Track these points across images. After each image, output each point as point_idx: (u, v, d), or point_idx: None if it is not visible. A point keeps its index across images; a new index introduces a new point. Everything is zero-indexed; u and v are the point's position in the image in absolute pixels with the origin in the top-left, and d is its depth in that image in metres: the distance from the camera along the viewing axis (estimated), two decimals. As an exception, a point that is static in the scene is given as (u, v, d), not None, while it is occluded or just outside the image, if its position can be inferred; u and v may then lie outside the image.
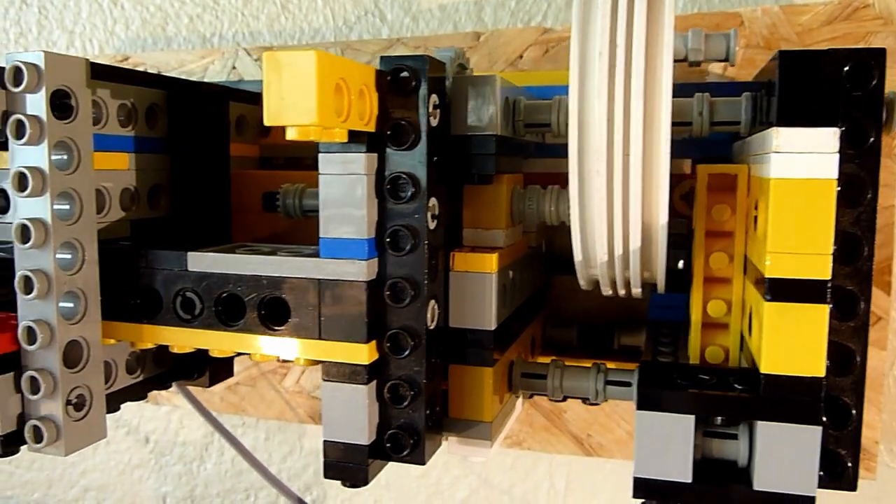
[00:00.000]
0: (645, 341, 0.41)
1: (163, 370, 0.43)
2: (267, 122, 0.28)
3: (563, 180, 0.40)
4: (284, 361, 0.40)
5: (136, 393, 0.42)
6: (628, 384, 0.38)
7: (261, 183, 0.47)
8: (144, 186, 0.41)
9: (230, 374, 0.47)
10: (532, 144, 0.44)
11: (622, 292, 0.35)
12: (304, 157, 0.52)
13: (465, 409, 0.36)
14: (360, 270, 0.32)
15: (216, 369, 0.45)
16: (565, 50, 0.51)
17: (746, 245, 0.35)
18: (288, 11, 0.64)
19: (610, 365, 0.40)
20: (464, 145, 0.35)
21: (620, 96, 0.29)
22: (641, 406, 0.30)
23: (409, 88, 0.32)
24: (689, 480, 0.29)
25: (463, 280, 0.35)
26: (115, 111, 0.39)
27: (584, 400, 0.43)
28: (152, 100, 0.42)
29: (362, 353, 0.33)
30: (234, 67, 0.58)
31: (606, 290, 0.35)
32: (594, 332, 0.49)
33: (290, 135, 0.29)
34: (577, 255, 0.33)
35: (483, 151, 0.35)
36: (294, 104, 0.27)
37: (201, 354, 0.43)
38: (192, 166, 0.43)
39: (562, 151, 0.47)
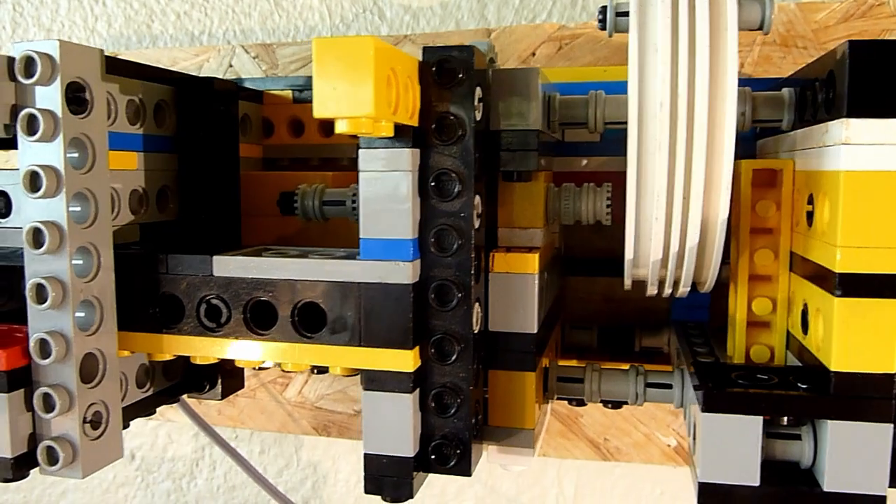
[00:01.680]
0: (678, 343, 0.40)
1: (172, 383, 0.41)
2: (317, 113, 0.26)
3: (574, 179, 0.39)
4: (319, 372, 0.38)
5: (147, 408, 0.39)
6: (669, 386, 0.37)
7: (268, 184, 0.45)
8: (153, 188, 0.39)
9: (241, 385, 0.45)
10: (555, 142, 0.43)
11: (668, 292, 0.34)
12: (309, 158, 0.50)
13: (506, 417, 0.35)
14: (405, 272, 0.31)
15: (228, 381, 0.43)
16: (579, 47, 0.50)
17: (792, 241, 0.34)
18: (282, 9, 0.61)
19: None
20: (504, 141, 0.34)
21: (684, 86, 0.28)
22: (708, 408, 0.29)
23: (454, 81, 0.30)
24: (758, 484, 0.28)
25: (503, 282, 0.34)
26: (124, 107, 0.37)
27: (608, 403, 0.42)
28: (160, 96, 0.39)
29: (407, 360, 0.31)
30: (230, 65, 0.56)
31: (652, 290, 0.34)
32: (615, 334, 0.48)
33: (341, 128, 0.27)
34: (629, 253, 0.32)
35: (525, 148, 0.33)
36: (348, 95, 0.26)
37: (213, 365, 0.41)
38: (201, 167, 0.41)
39: (579, 150, 0.47)
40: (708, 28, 0.28)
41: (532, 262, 0.34)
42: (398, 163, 0.30)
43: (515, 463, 0.35)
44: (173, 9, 0.64)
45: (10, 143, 0.35)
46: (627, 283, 0.35)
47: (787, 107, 0.34)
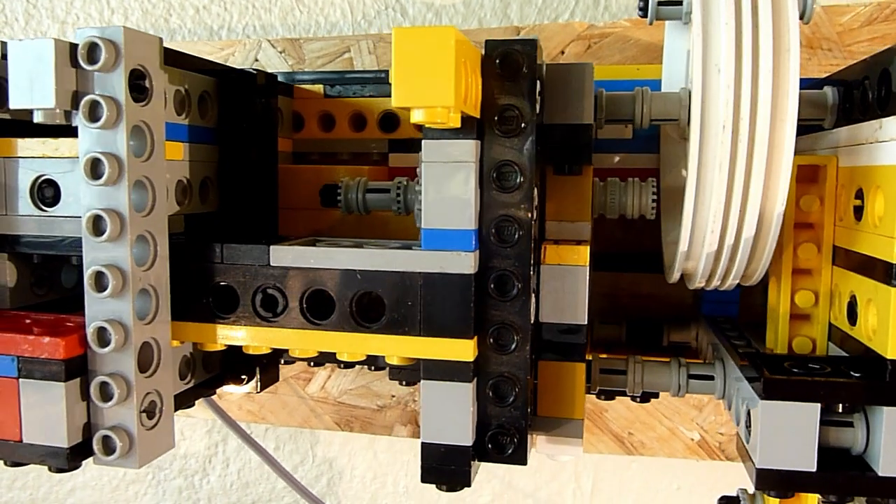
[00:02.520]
0: (716, 336, 0.40)
1: (211, 375, 0.41)
2: (396, 103, 0.27)
3: (605, 175, 0.39)
4: (346, 366, 0.38)
5: (187, 400, 0.39)
6: (711, 377, 0.38)
7: (302, 178, 0.45)
8: (196, 179, 0.39)
9: (277, 378, 0.45)
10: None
11: (715, 285, 0.35)
12: (338, 153, 0.50)
13: (555, 407, 0.35)
14: (467, 262, 0.31)
15: (265, 373, 0.43)
16: (608, 46, 0.51)
17: (835, 235, 0.35)
18: (303, 4, 0.61)
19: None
20: (557, 135, 0.34)
21: (748, 81, 0.29)
22: (768, 396, 0.29)
23: (518, 74, 0.31)
24: (814, 469, 0.29)
25: (555, 273, 0.34)
26: (172, 97, 0.37)
27: (636, 397, 0.43)
28: (204, 87, 0.39)
29: (468, 350, 0.31)
30: (256, 60, 0.56)
31: (699, 284, 0.35)
32: (643, 329, 0.48)
33: (417, 117, 0.27)
34: (683, 246, 0.32)
35: (580, 142, 0.34)
36: (429, 84, 0.26)
37: (251, 357, 0.41)
38: (242, 159, 0.41)
39: (611, 146, 0.47)
40: (772, 45, 0.29)
41: (583, 254, 0.34)
42: (463, 154, 0.30)
43: (563, 453, 0.35)
44: (192, 3, 0.63)
45: (58, 131, 0.35)
46: (675, 276, 0.35)
47: (830, 105, 0.35)
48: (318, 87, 0.49)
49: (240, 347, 0.35)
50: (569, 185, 0.36)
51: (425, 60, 0.26)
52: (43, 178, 0.35)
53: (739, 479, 0.56)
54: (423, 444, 0.32)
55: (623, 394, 0.40)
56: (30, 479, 0.71)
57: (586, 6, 0.57)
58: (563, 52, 0.51)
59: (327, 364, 0.53)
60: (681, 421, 0.52)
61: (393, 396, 0.56)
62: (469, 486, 0.33)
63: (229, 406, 0.58)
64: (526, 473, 0.62)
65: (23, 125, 0.37)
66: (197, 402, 0.45)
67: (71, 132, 0.36)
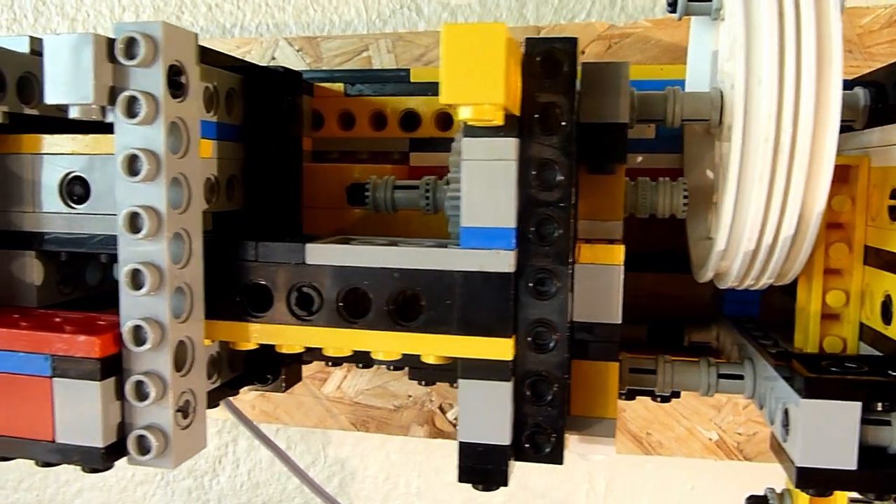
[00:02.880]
0: (742, 336, 0.40)
1: (235, 374, 0.40)
2: (444, 99, 0.26)
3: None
4: (365, 366, 0.37)
5: (213, 400, 0.39)
6: (740, 377, 0.38)
7: (324, 176, 0.45)
8: (224, 176, 0.39)
9: (300, 377, 0.45)
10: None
11: (748, 284, 0.35)
12: (358, 152, 0.50)
13: (588, 406, 0.35)
14: (507, 261, 0.31)
15: (290, 372, 0.42)
16: (629, 46, 0.51)
17: (867, 235, 0.35)
18: (317, 3, 0.61)
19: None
20: (593, 134, 0.34)
21: (791, 76, 0.29)
22: (809, 395, 0.29)
23: (558, 72, 0.31)
24: (855, 467, 0.29)
25: (589, 272, 0.34)
26: (201, 94, 0.36)
27: (657, 396, 0.43)
28: (231, 84, 0.39)
29: (507, 349, 0.31)
30: (273, 58, 0.56)
31: (732, 283, 0.35)
32: (664, 329, 0.48)
33: (465, 114, 0.27)
34: (720, 245, 0.32)
35: (614, 141, 0.34)
36: (479, 82, 0.26)
37: (276, 357, 0.41)
38: (267, 156, 0.41)
39: (634, 146, 0.47)
40: (815, 57, 0.29)
41: (618, 254, 0.34)
42: (503, 152, 0.30)
43: (596, 452, 0.35)
44: (205, 0, 0.63)
45: (85, 127, 0.35)
46: (709, 275, 0.35)
47: (861, 107, 0.35)
48: (339, 86, 0.49)
49: (264, 347, 0.34)
50: (601, 184, 0.36)
51: (475, 57, 0.26)
52: (72, 174, 0.35)
53: (754, 479, 0.56)
54: (460, 443, 0.32)
55: (651, 393, 0.40)
56: (36, 480, 0.70)
57: (602, 6, 0.57)
58: (583, 52, 0.51)
59: (345, 364, 0.53)
60: (699, 421, 0.52)
61: (409, 396, 0.55)
62: (506, 485, 0.33)
63: (243, 406, 0.58)
64: (539, 473, 0.62)
65: (47, 121, 0.37)
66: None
67: (99, 128, 0.36)
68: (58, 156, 0.35)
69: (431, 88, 0.48)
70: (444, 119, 0.48)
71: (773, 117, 0.29)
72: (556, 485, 0.62)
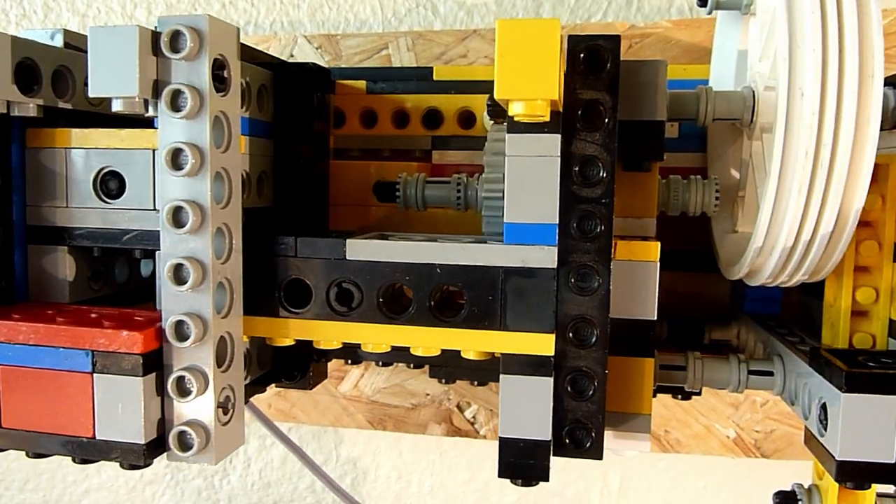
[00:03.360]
0: (769, 333, 0.41)
1: (264, 372, 0.40)
2: (499, 94, 0.27)
3: None
4: (384, 364, 0.37)
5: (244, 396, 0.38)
6: (770, 373, 0.38)
7: (350, 174, 0.45)
8: (255, 173, 0.38)
9: (325, 374, 0.45)
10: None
11: (781, 281, 0.35)
12: (380, 149, 0.50)
13: (623, 402, 0.35)
14: (549, 257, 0.31)
15: (317, 369, 0.42)
16: (649, 46, 0.51)
17: (896, 233, 0.36)
18: (332, 1, 0.61)
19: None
20: (632, 131, 0.34)
21: (834, 84, 0.29)
22: (850, 389, 0.30)
23: (602, 69, 0.31)
24: (894, 461, 0.30)
25: (625, 269, 0.34)
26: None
27: (677, 394, 0.43)
28: (262, 80, 0.39)
29: (549, 344, 0.31)
30: (291, 55, 0.55)
31: (765, 280, 0.35)
32: (684, 327, 0.49)
33: (517, 109, 0.27)
34: (757, 241, 0.33)
35: (653, 138, 0.34)
36: (533, 77, 0.26)
37: (304, 354, 0.41)
38: (295, 153, 0.41)
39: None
40: (858, 68, 0.29)
41: (654, 250, 0.34)
42: (548, 148, 0.31)
43: (631, 448, 0.35)
44: (219, -3, 0.63)
45: (121, 122, 0.35)
46: (743, 272, 0.36)
47: (891, 108, 0.36)
48: (361, 83, 0.49)
49: (299, 343, 0.34)
50: (636, 181, 0.36)
51: (529, 53, 0.26)
52: (107, 169, 0.35)
53: (766, 477, 0.56)
54: (501, 439, 0.32)
55: (679, 390, 0.41)
56: (42, 480, 0.69)
57: (619, 7, 0.58)
58: (603, 52, 0.51)
59: (364, 361, 0.53)
60: (717, 419, 0.52)
61: (427, 395, 0.55)
62: (547, 480, 0.33)
63: (259, 404, 0.57)
64: (553, 472, 0.62)
65: (77, 116, 0.37)
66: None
67: (129, 124, 0.36)
68: (92, 150, 0.34)
69: (454, 87, 0.48)
70: (467, 117, 0.48)
71: (815, 124, 0.29)
72: (570, 483, 0.62)
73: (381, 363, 0.53)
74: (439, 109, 0.48)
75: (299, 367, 0.41)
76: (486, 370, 0.45)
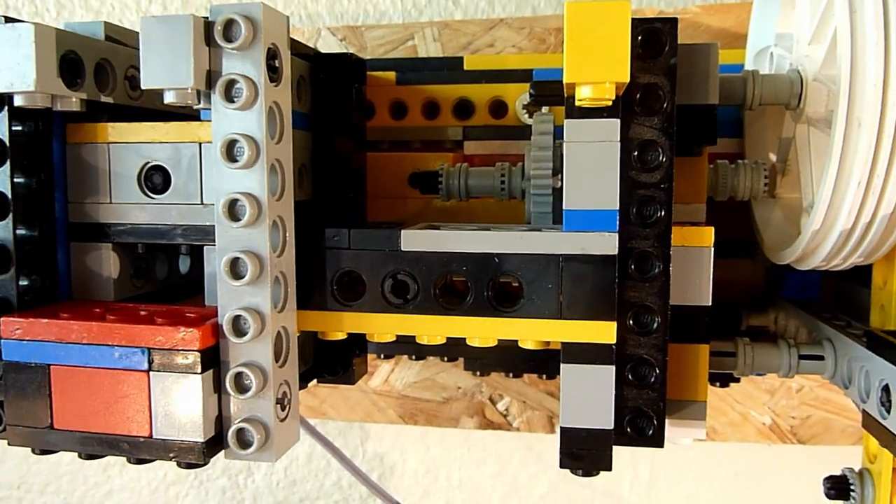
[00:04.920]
0: (812, 318, 0.41)
1: (307, 367, 0.40)
2: (568, 78, 0.26)
3: None
4: (418, 358, 0.36)
5: (289, 392, 0.38)
6: (821, 357, 0.38)
7: (385, 165, 0.44)
8: (295, 165, 0.38)
9: (366, 369, 0.44)
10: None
11: (835, 264, 0.35)
12: (410, 141, 0.49)
13: (679, 389, 0.35)
14: (611, 243, 0.31)
15: (358, 364, 0.42)
16: (679, 32, 0.51)
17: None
18: (351, -8, 0.60)
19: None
20: (684, 115, 0.34)
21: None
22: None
23: (660, 52, 0.30)
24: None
25: (679, 255, 0.34)
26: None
27: (716, 381, 0.43)
28: (300, 72, 0.38)
29: (610, 332, 0.31)
30: (315, 48, 0.55)
31: (816, 264, 0.35)
32: (721, 314, 0.48)
33: (584, 93, 0.27)
34: (815, 223, 0.32)
35: (706, 123, 0.34)
36: (604, 59, 0.26)
37: (346, 349, 0.40)
38: (334, 145, 0.40)
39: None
40: None
41: (708, 236, 0.34)
42: (608, 133, 0.30)
43: (687, 435, 0.35)
44: (235, -9, 0.62)
45: (161, 115, 0.34)
46: (796, 254, 0.35)
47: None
48: (390, 74, 0.48)
49: (344, 337, 0.34)
50: (685, 166, 0.36)
51: (599, 35, 0.26)
52: (151, 164, 0.34)
53: (799, 463, 0.56)
54: (562, 428, 0.32)
55: (727, 377, 0.40)
56: (63, 482, 0.69)
57: (642, -6, 0.57)
58: (633, 39, 0.51)
59: (396, 356, 0.53)
60: (752, 405, 0.52)
61: (459, 388, 0.55)
62: (610, 469, 0.32)
63: (289, 402, 0.57)
64: (582, 463, 0.62)
65: (117, 110, 0.36)
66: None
67: (169, 117, 0.35)
68: (136, 145, 0.34)
69: (486, 76, 0.47)
70: (498, 107, 0.47)
71: (878, 108, 0.29)
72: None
73: (413, 357, 0.52)
74: (470, 99, 0.47)
75: (342, 361, 0.41)
76: (530, 361, 0.45)
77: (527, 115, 0.46)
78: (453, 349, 0.49)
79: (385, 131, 0.49)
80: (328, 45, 0.55)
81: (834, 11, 0.30)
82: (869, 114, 0.29)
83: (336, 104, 0.40)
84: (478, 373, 0.52)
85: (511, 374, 0.51)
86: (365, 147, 0.42)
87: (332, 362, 0.41)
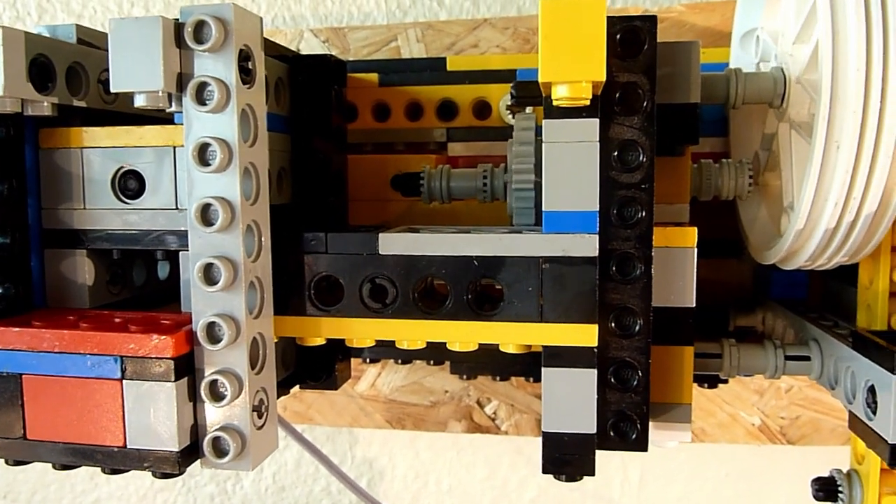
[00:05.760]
0: (799, 318, 0.40)
1: (288, 373, 0.39)
2: (543, 77, 0.26)
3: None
4: (404, 362, 0.36)
5: (270, 399, 0.37)
6: (808, 358, 0.38)
7: (367, 168, 0.44)
8: (274, 169, 0.37)
9: (349, 375, 0.44)
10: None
11: (819, 264, 0.35)
12: (394, 143, 0.49)
13: (663, 392, 0.34)
14: (591, 245, 0.30)
15: (341, 369, 0.41)
16: (664, 31, 0.50)
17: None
18: (335, -6, 0.60)
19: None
20: (666, 114, 0.33)
21: (879, 59, 0.28)
22: (905, 371, 0.29)
23: (639, 51, 0.30)
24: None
25: (661, 256, 0.34)
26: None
27: (703, 382, 0.42)
28: (278, 74, 0.38)
29: (591, 335, 0.31)
30: (297, 50, 0.54)
31: (801, 263, 0.35)
32: (707, 315, 0.48)
33: (561, 93, 0.26)
34: (799, 223, 0.32)
35: (688, 122, 0.33)
36: (579, 58, 0.25)
37: (329, 353, 0.40)
38: (313, 148, 0.40)
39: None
40: None
41: (691, 236, 0.34)
42: (586, 133, 0.30)
43: (672, 439, 0.35)
44: (218, -7, 0.61)
45: (135, 120, 0.34)
46: (780, 255, 0.35)
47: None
48: (373, 76, 0.48)
49: (330, 342, 0.33)
50: (668, 166, 0.35)
51: (574, 34, 0.25)
52: (125, 169, 0.33)
53: (788, 464, 0.56)
54: (544, 433, 0.32)
55: (713, 378, 0.40)
56: (51, 491, 0.68)
57: (627, -7, 0.57)
58: (617, 38, 0.51)
59: (383, 360, 0.52)
60: (741, 406, 0.52)
61: (446, 392, 0.54)
62: (593, 474, 0.32)
63: (275, 408, 0.56)
64: (572, 466, 0.61)
65: (90, 114, 0.35)
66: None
67: (144, 121, 0.34)
68: (110, 149, 0.33)
69: (469, 77, 0.47)
70: (482, 108, 0.47)
71: (860, 109, 0.29)
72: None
73: (400, 361, 0.52)
74: (454, 100, 0.47)
75: (325, 367, 0.40)
76: (517, 364, 0.44)
77: (510, 116, 0.45)
78: (438, 353, 0.49)
79: (368, 133, 0.48)
80: (311, 47, 0.55)
81: (817, 18, 0.30)
82: (850, 120, 0.29)
83: (315, 106, 0.39)
84: (464, 376, 0.51)
85: (498, 378, 0.51)
86: (346, 149, 0.42)
87: (315, 367, 0.40)
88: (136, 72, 0.28)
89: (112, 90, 0.28)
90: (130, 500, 0.67)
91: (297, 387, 0.40)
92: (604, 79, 0.26)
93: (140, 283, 0.39)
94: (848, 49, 0.29)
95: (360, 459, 0.64)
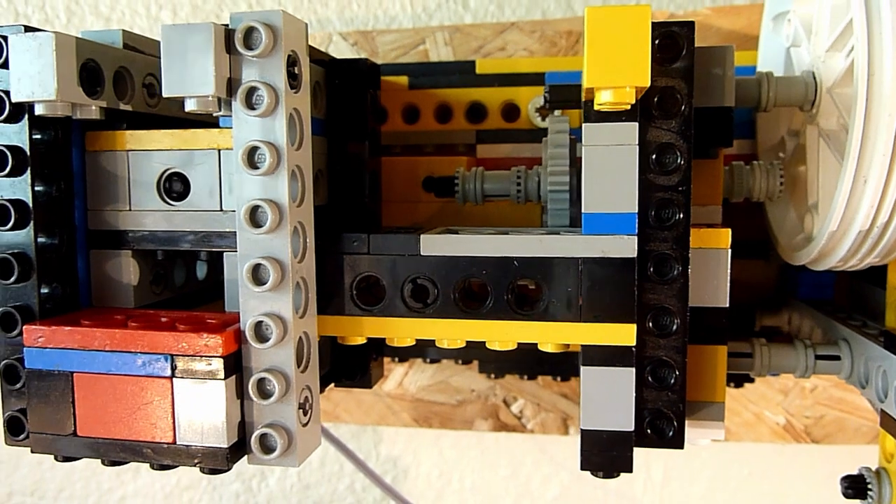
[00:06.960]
0: (827, 318, 0.41)
1: (324, 372, 0.40)
2: (588, 83, 0.26)
3: None
4: (432, 361, 0.37)
5: (307, 397, 0.38)
6: (838, 358, 0.38)
7: (398, 170, 0.45)
8: (312, 171, 0.38)
9: (382, 373, 0.44)
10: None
11: (851, 265, 0.35)
12: (423, 145, 0.49)
13: (697, 391, 0.35)
14: (630, 246, 0.31)
15: (375, 368, 0.42)
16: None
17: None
18: (361, -3, 0.61)
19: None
20: (701, 117, 0.34)
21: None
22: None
23: (677, 56, 0.30)
24: (984, 443, 0.30)
25: (697, 256, 0.34)
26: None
27: (730, 381, 0.43)
28: (316, 77, 0.38)
29: (630, 334, 0.31)
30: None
31: (832, 264, 0.35)
32: (734, 314, 0.48)
33: (605, 98, 0.27)
34: (832, 225, 0.32)
35: (722, 125, 0.34)
36: (626, 64, 0.26)
37: (364, 353, 0.40)
38: (349, 150, 0.40)
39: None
40: None
41: (725, 238, 0.34)
42: (626, 136, 0.30)
43: (706, 436, 0.35)
44: (245, -3, 0.62)
45: (178, 123, 0.34)
46: (812, 255, 0.35)
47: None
48: (403, 79, 0.49)
49: (363, 342, 0.34)
50: (701, 168, 0.36)
51: (620, 40, 0.26)
52: (170, 171, 0.34)
53: (811, 463, 0.56)
54: (583, 431, 0.32)
55: (742, 377, 0.41)
56: (77, 488, 0.69)
57: (652, -4, 0.57)
58: (643, 41, 0.51)
59: (410, 359, 0.53)
60: (766, 406, 0.52)
61: (473, 391, 0.55)
62: (631, 471, 0.33)
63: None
64: (595, 465, 0.62)
65: (134, 118, 0.36)
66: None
67: (186, 124, 0.35)
68: (155, 152, 0.34)
69: (498, 79, 0.48)
70: (510, 110, 0.48)
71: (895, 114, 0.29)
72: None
73: (428, 360, 0.52)
74: (483, 103, 0.48)
75: (360, 366, 0.41)
76: (544, 363, 0.45)
77: (539, 119, 0.46)
78: (468, 352, 0.49)
79: (398, 136, 0.49)
80: (340, 50, 0.55)
81: (853, 31, 0.30)
82: (884, 124, 0.29)
83: (351, 109, 0.40)
84: (492, 375, 0.52)
85: (525, 377, 0.51)
86: (380, 152, 0.43)
87: (350, 366, 0.41)
88: (188, 77, 0.29)
89: (164, 95, 0.29)
90: (156, 498, 0.68)
91: (340, 385, 0.40)
92: (648, 84, 0.26)
93: (180, 284, 0.39)
94: (884, 61, 0.29)
95: (385, 457, 0.64)
